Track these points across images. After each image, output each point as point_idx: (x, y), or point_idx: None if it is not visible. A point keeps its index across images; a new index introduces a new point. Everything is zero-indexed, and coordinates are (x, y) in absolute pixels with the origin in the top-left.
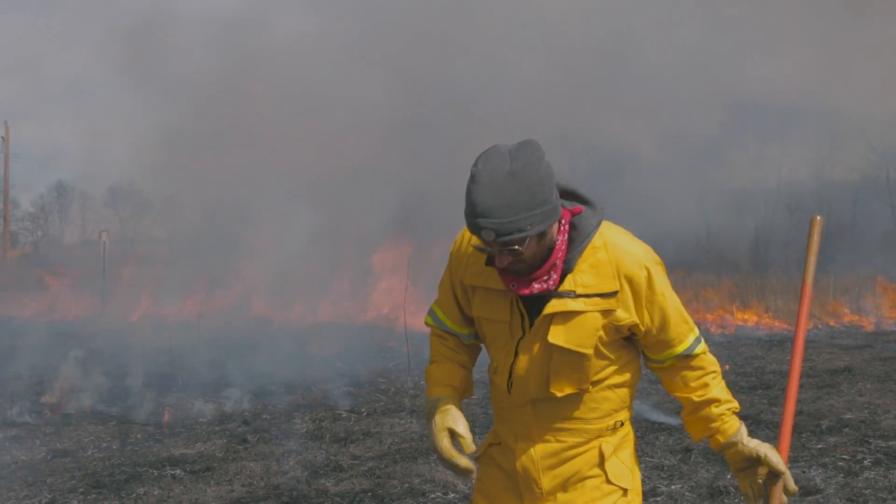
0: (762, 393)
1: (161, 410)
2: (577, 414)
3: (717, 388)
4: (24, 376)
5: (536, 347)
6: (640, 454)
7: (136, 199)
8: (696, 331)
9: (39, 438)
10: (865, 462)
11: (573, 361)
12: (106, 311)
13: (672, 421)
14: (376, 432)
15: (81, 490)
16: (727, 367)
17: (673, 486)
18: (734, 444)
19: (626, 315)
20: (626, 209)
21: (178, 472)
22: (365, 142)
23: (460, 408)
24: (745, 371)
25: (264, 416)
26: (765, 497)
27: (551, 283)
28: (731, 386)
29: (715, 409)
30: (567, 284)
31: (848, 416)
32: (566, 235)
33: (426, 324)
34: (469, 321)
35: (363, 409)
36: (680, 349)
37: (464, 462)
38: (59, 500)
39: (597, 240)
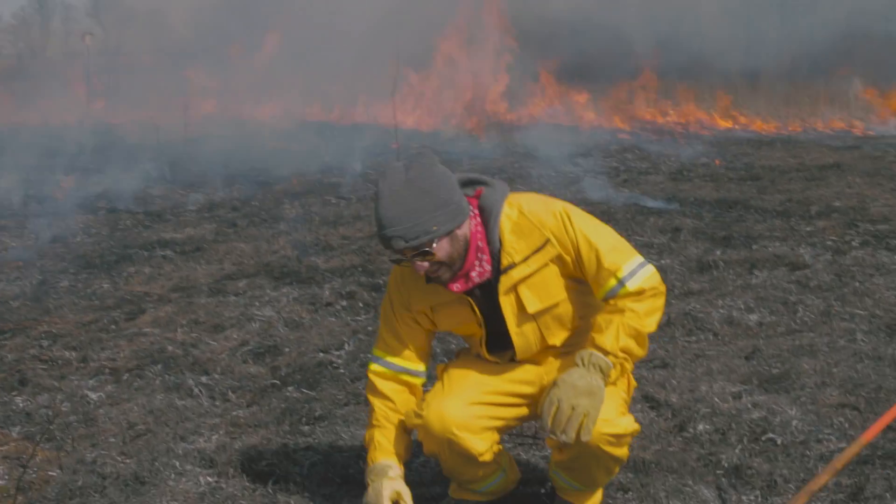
0: (751, 183)
1: (150, 200)
2: (576, 337)
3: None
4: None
5: (521, 321)
6: (631, 234)
7: (119, 10)
8: (625, 269)
9: (28, 228)
10: (853, 243)
11: (555, 313)
12: (90, 113)
13: (661, 205)
14: (366, 216)
15: (72, 271)
16: (717, 161)
17: (663, 261)
18: (580, 356)
19: (567, 255)
20: (617, 21)
21: (168, 252)
22: None
23: (404, 478)
24: (735, 165)
25: (253, 203)
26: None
27: (486, 266)
28: (721, 178)
29: (605, 318)
30: (504, 260)
31: (837, 203)
32: (479, 219)
33: (372, 374)
34: (425, 355)
35: (352, 196)
36: (609, 286)
37: None
38: (49, 281)
39: (508, 210)
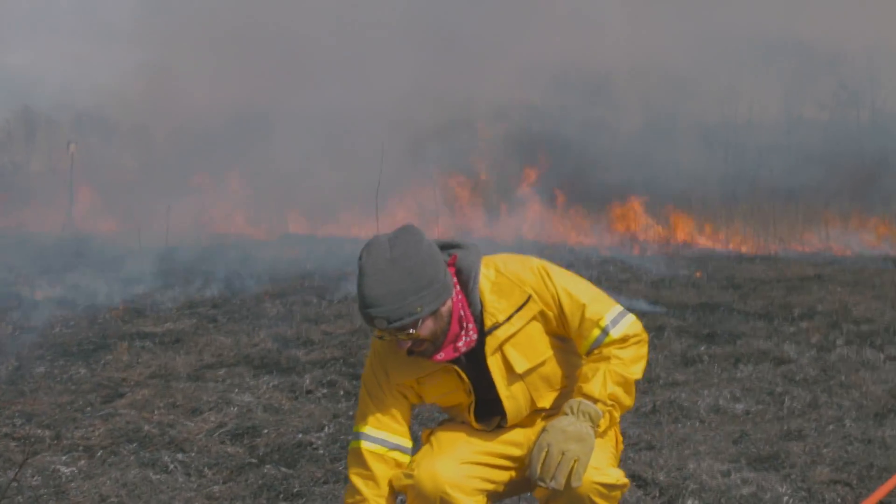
0: (733, 291)
1: (129, 298)
2: (563, 399)
3: (609, 369)
4: None
5: (510, 382)
6: None
7: (103, 126)
8: (607, 318)
9: (4, 321)
10: (838, 342)
11: (543, 372)
12: (72, 222)
13: (643, 307)
14: (347, 314)
15: (49, 358)
16: (698, 273)
17: (649, 354)
18: (569, 404)
19: (549, 311)
20: (597, 142)
21: (147, 343)
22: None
23: None
24: (716, 277)
25: (234, 302)
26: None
27: (471, 334)
28: (703, 286)
29: (592, 367)
30: (488, 321)
31: (819, 307)
32: (458, 287)
33: (365, 451)
34: (408, 431)
35: (334, 297)
36: (593, 336)
37: None
38: (25, 367)
39: (485, 270)
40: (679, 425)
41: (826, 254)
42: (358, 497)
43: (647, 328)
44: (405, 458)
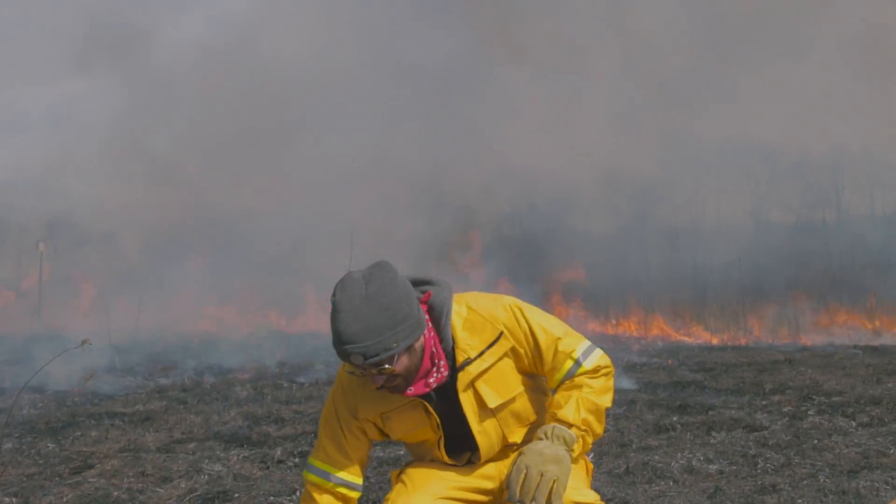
0: (704, 373)
1: (99, 385)
2: (531, 434)
3: (581, 397)
4: None
5: (482, 418)
6: None
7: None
8: (579, 350)
9: None
10: (810, 412)
11: (513, 409)
12: (41, 321)
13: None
14: (319, 396)
15: (17, 435)
16: (670, 361)
17: (620, 424)
18: (543, 430)
19: (521, 348)
20: (566, 248)
21: (116, 421)
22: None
23: None
24: (688, 363)
25: (205, 386)
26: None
27: (442, 370)
28: (675, 370)
29: (565, 396)
30: (459, 357)
31: (791, 384)
32: (430, 324)
33: (309, 484)
34: (364, 467)
35: (304, 381)
36: (566, 368)
37: None
38: None
39: (458, 308)
40: (653, 485)
41: (795, 343)
42: None
43: (618, 403)
44: (353, 494)
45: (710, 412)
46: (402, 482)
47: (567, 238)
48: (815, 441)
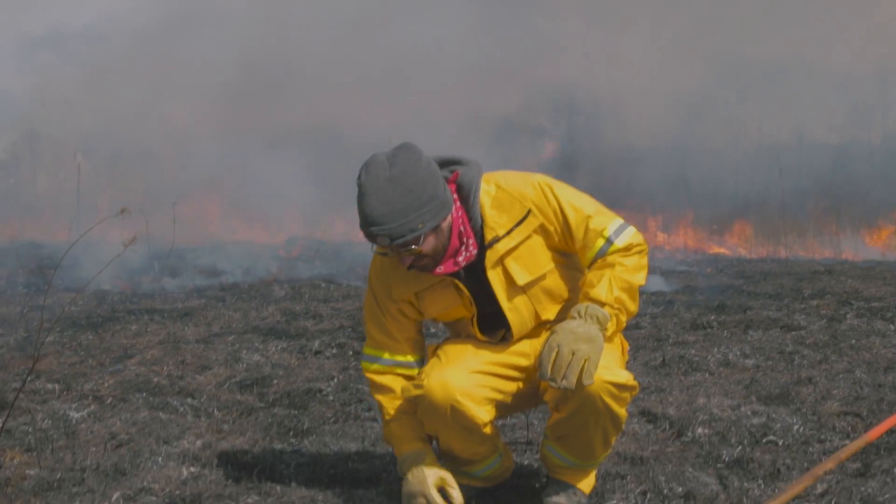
0: (743, 280)
1: (138, 286)
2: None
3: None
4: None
5: (512, 296)
6: None
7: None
8: (610, 228)
9: (13, 301)
10: (848, 316)
11: (545, 286)
12: (80, 228)
13: (652, 286)
14: (356, 295)
15: (58, 329)
16: (709, 269)
17: (658, 321)
18: (576, 309)
19: (551, 225)
20: (605, 165)
21: (156, 317)
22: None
23: (437, 462)
24: (727, 271)
25: (242, 285)
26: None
27: (471, 248)
28: (714, 278)
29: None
30: (488, 235)
31: (830, 290)
32: (458, 203)
33: (368, 373)
34: (418, 345)
35: (342, 281)
36: (598, 246)
37: None
38: (33, 336)
39: (486, 187)
40: (688, 377)
41: (836, 259)
42: (378, 406)
43: (656, 303)
44: (410, 372)
45: (748, 312)
46: (438, 356)
47: (608, 154)
48: (853, 341)
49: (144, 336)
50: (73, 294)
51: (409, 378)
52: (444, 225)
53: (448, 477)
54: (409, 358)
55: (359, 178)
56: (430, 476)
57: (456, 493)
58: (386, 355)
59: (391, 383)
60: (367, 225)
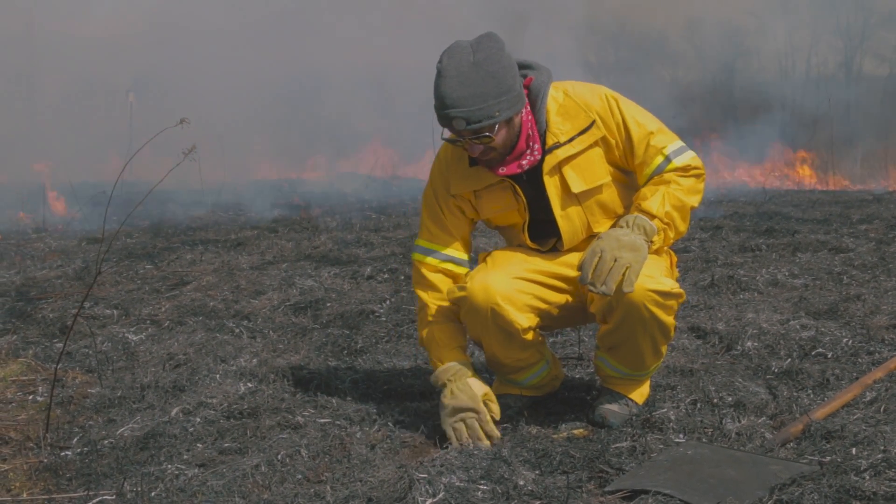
0: (791, 208)
1: (192, 220)
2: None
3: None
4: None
5: (566, 204)
6: None
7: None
8: (671, 147)
9: (71, 229)
10: None
11: (600, 199)
12: (131, 168)
13: (701, 211)
14: (407, 225)
15: (115, 259)
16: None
17: (706, 245)
18: (625, 218)
19: (612, 138)
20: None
21: (210, 247)
22: None
23: (475, 373)
24: (776, 201)
25: (293, 219)
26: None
27: (536, 153)
28: (763, 206)
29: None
30: (550, 140)
31: (879, 216)
32: (528, 106)
33: (418, 263)
34: (469, 246)
35: (391, 212)
36: (656, 163)
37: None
38: (91, 266)
39: (554, 93)
40: (738, 296)
41: (885, 189)
42: (420, 304)
43: (704, 228)
44: (461, 270)
45: (796, 235)
46: (486, 262)
47: (652, 87)
48: None
49: (199, 264)
50: (127, 227)
51: (456, 276)
52: (517, 120)
53: (489, 392)
54: (461, 255)
55: (440, 61)
56: (478, 389)
57: (496, 408)
58: (441, 249)
59: (440, 283)
60: (444, 107)
